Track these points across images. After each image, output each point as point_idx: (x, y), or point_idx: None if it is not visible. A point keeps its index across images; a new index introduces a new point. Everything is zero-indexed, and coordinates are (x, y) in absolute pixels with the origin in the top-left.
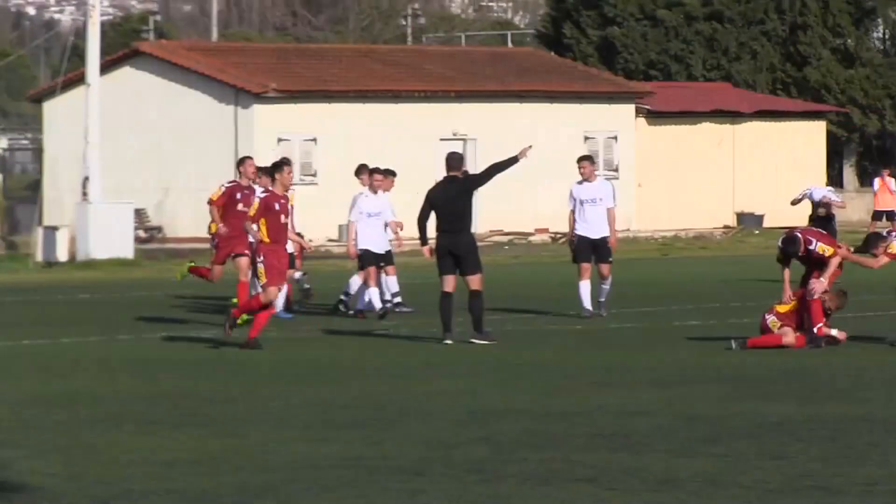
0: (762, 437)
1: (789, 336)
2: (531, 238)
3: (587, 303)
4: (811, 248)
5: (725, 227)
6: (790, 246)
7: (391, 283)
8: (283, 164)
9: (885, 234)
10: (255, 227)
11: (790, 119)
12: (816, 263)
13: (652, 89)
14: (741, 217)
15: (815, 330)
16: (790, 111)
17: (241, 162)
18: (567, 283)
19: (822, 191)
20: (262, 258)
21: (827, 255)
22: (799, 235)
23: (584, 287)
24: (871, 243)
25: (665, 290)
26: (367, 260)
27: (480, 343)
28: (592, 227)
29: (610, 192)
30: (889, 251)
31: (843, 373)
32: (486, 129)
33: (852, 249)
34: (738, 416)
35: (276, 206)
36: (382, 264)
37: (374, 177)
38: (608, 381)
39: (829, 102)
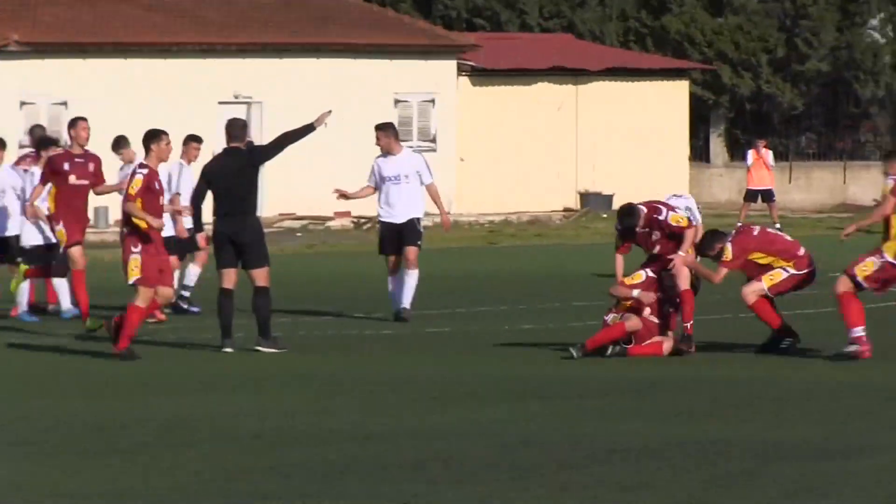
0: (624, 462)
1: (633, 320)
2: (330, 223)
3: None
4: (660, 217)
5: (566, 209)
6: (627, 218)
7: (192, 273)
8: (161, 132)
9: (724, 231)
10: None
11: (646, 78)
12: (665, 247)
13: (477, 42)
14: (585, 198)
15: (686, 326)
16: (646, 69)
17: (72, 124)
18: (374, 276)
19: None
20: (138, 249)
21: (682, 224)
22: (641, 207)
23: (393, 286)
24: (706, 244)
25: (493, 287)
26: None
27: (267, 351)
28: (397, 211)
29: (421, 165)
30: (724, 259)
31: (721, 387)
32: (274, 90)
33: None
34: (594, 438)
35: (157, 186)
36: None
37: (192, 145)
38: (434, 396)
39: (694, 58)
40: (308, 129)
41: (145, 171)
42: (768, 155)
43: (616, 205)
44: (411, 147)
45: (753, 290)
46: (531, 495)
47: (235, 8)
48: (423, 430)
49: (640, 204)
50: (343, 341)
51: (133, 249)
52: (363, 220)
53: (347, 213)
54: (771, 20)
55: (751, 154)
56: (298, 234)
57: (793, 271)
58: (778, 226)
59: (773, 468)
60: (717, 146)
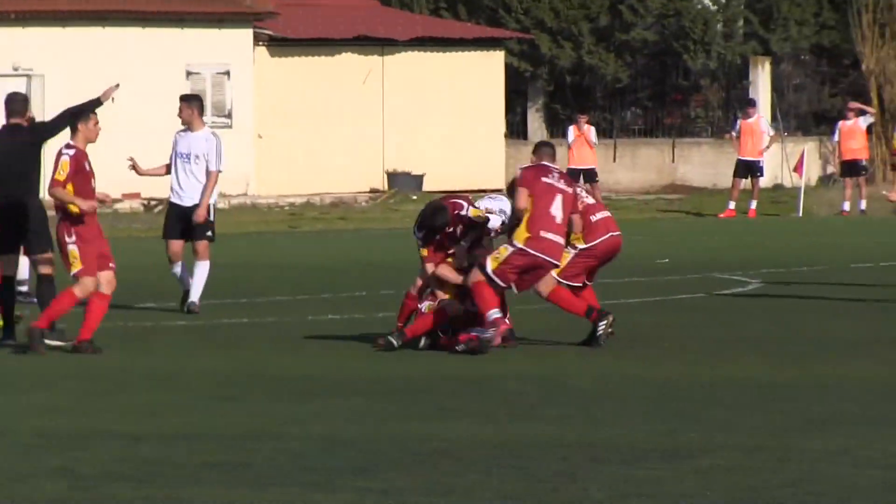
0: (424, 467)
1: (454, 306)
2: (118, 206)
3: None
4: (463, 213)
5: (373, 190)
6: (438, 217)
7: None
8: (87, 110)
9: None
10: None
11: (458, 48)
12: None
13: (275, 9)
14: (393, 178)
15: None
16: (458, 38)
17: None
18: (163, 264)
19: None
20: (73, 237)
21: (481, 217)
22: (446, 204)
23: (178, 270)
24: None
25: (294, 275)
26: None
27: (54, 344)
28: (185, 193)
29: (213, 148)
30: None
31: (532, 384)
32: (57, 61)
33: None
34: (395, 440)
35: (87, 167)
36: None
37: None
38: (229, 394)
39: (509, 26)
40: (94, 103)
41: (72, 151)
42: (590, 131)
43: (427, 185)
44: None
45: (544, 282)
46: (334, 500)
47: None
48: (214, 430)
49: (442, 201)
50: (134, 334)
51: (68, 239)
52: (154, 202)
53: (137, 195)
54: None
55: (571, 130)
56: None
57: (581, 246)
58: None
59: (596, 470)
60: (536, 122)
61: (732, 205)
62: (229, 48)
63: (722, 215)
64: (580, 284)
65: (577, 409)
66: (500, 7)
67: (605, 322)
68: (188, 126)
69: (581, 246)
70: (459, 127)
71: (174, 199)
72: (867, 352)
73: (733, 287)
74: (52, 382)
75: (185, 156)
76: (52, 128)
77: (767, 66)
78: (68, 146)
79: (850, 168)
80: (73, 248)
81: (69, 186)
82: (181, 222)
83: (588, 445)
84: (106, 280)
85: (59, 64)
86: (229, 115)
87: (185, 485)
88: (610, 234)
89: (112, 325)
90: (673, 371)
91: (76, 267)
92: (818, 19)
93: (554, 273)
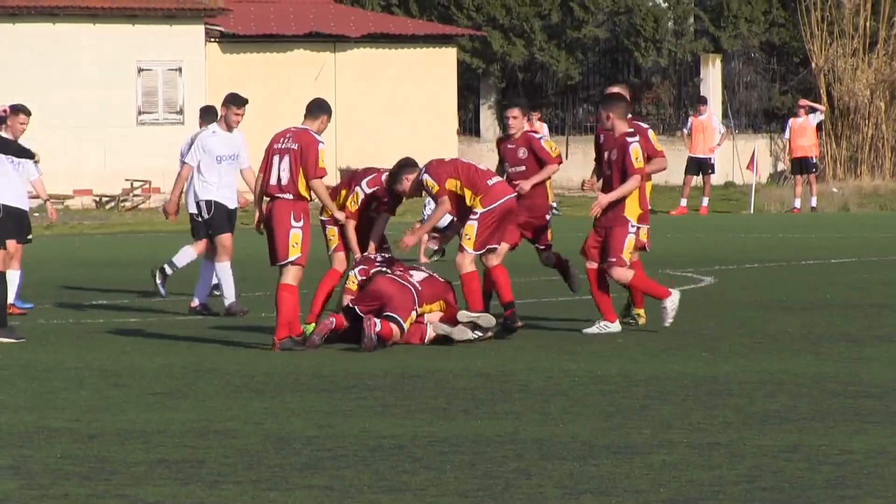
0: (377, 464)
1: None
2: (68, 202)
3: None
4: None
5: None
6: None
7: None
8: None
9: (411, 161)
10: None
11: (410, 45)
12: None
13: (226, 5)
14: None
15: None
16: (410, 35)
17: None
18: (117, 261)
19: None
20: None
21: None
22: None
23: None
24: (395, 177)
25: (248, 273)
26: None
27: (4, 341)
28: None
29: (185, 145)
30: (434, 191)
31: (483, 380)
32: (6, 57)
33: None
34: (347, 437)
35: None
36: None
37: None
38: (181, 390)
39: (461, 23)
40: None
41: None
42: (542, 128)
43: None
44: (156, 121)
45: (462, 262)
46: (287, 497)
47: None
48: (167, 427)
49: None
50: (89, 331)
51: None
52: (106, 199)
53: (89, 192)
54: None
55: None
56: (35, 215)
57: (480, 210)
58: (554, 204)
59: (550, 466)
60: (488, 119)
61: (684, 202)
62: (181, 44)
63: (674, 212)
64: (496, 245)
65: (529, 405)
66: (451, 4)
67: (507, 318)
68: (230, 127)
69: (480, 210)
70: (412, 124)
71: (219, 200)
72: (817, 348)
73: (685, 284)
74: (1, 379)
75: (229, 157)
76: None
77: (718, 64)
78: None
79: (801, 165)
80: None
81: None
82: (231, 222)
83: (541, 442)
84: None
85: (9, 60)
86: (181, 112)
87: (138, 483)
88: (507, 196)
89: (64, 322)
90: (623, 367)
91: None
92: (768, 17)
93: (469, 249)
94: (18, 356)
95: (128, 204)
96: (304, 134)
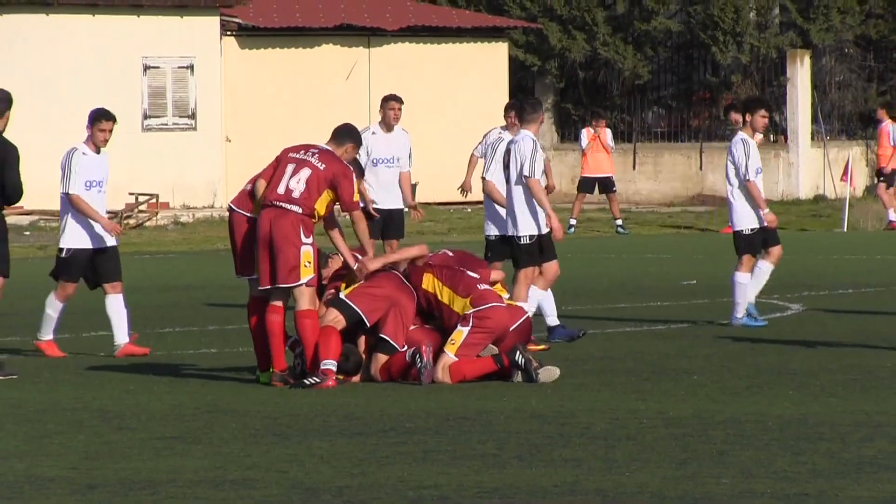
0: None
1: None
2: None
3: None
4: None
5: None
6: None
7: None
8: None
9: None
10: None
11: (454, 39)
12: None
13: None
14: None
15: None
16: (454, 28)
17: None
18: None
19: None
20: None
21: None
22: None
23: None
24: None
25: None
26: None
27: None
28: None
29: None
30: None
31: (538, 423)
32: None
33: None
34: (381, 487)
35: None
36: None
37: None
38: (188, 434)
39: (514, 14)
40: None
41: None
42: (607, 135)
43: (420, 196)
44: (165, 126)
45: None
46: None
47: None
48: (177, 475)
49: None
50: (83, 364)
51: None
52: (108, 215)
53: None
54: None
55: (585, 133)
56: (27, 233)
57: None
58: (619, 222)
59: None
60: (544, 123)
61: None
62: (193, 39)
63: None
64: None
65: (590, 451)
66: None
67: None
68: (389, 126)
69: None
70: (456, 127)
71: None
72: None
73: (771, 312)
74: None
75: (388, 160)
76: None
77: (807, 61)
78: None
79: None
80: None
81: None
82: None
83: (605, 493)
84: None
85: (4, 55)
86: (193, 116)
87: None
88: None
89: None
90: (698, 407)
91: None
92: (864, 7)
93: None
94: (8, 395)
95: (132, 221)
96: (336, 159)
